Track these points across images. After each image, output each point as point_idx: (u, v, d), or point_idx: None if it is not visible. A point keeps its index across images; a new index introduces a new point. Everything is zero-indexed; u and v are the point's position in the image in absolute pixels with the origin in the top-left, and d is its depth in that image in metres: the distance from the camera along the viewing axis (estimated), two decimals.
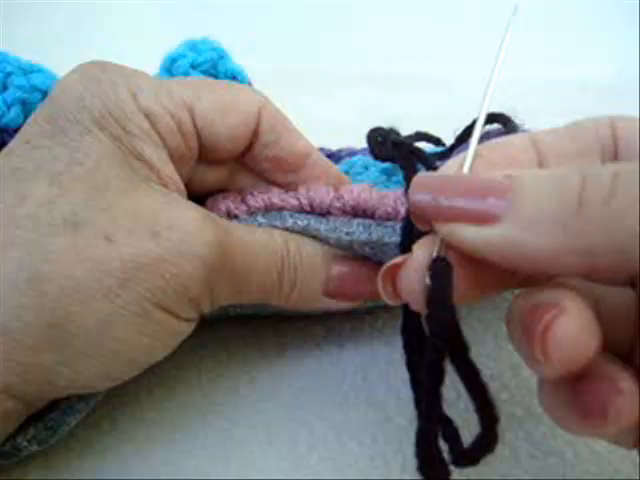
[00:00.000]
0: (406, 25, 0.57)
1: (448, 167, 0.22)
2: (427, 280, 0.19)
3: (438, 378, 0.20)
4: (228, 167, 0.29)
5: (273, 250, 0.27)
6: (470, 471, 0.27)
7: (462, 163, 0.22)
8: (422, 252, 0.21)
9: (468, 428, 0.28)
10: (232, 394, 0.30)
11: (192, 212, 0.25)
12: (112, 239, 0.23)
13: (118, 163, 0.24)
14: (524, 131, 0.29)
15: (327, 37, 0.55)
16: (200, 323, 0.26)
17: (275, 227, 0.27)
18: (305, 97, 0.45)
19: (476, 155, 0.22)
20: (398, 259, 0.22)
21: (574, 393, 0.20)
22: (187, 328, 0.25)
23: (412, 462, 0.27)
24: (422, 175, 0.21)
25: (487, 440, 0.21)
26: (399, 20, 0.57)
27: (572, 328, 0.19)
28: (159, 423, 0.28)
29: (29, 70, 0.30)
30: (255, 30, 0.57)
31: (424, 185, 0.20)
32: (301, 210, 0.28)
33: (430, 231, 0.21)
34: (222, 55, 0.32)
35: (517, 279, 0.22)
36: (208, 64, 0.32)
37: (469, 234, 0.19)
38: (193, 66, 0.32)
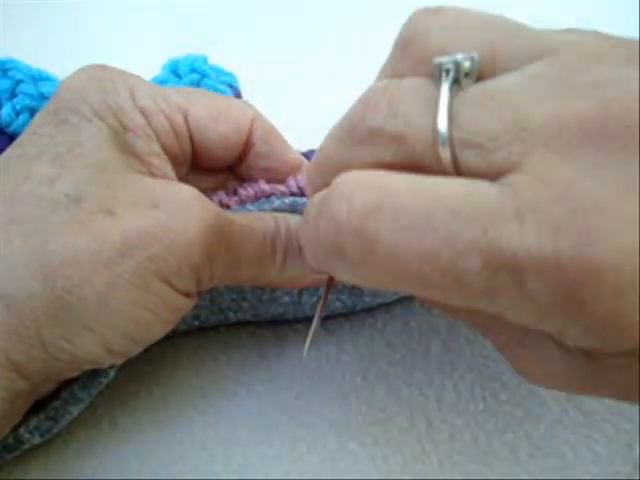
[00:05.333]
0: None
1: None
2: None
3: None
4: (221, 177, 0.30)
5: (266, 222, 0.28)
6: (470, 471, 0.27)
7: None
8: None
9: (468, 427, 0.28)
10: (232, 394, 0.30)
11: (189, 188, 0.26)
12: (113, 212, 0.24)
13: (117, 149, 0.26)
14: None
15: (327, 37, 0.55)
16: (200, 327, 0.26)
17: (263, 211, 0.28)
18: (305, 97, 0.45)
19: None
20: None
21: None
22: (185, 304, 0.25)
23: (412, 462, 0.27)
24: None
25: None
26: (399, 20, 0.57)
27: None
28: (159, 423, 0.28)
29: (38, 78, 0.32)
30: (255, 30, 0.57)
31: None
32: (289, 195, 0.29)
33: None
34: (204, 75, 0.33)
35: None
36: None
37: None
38: None
